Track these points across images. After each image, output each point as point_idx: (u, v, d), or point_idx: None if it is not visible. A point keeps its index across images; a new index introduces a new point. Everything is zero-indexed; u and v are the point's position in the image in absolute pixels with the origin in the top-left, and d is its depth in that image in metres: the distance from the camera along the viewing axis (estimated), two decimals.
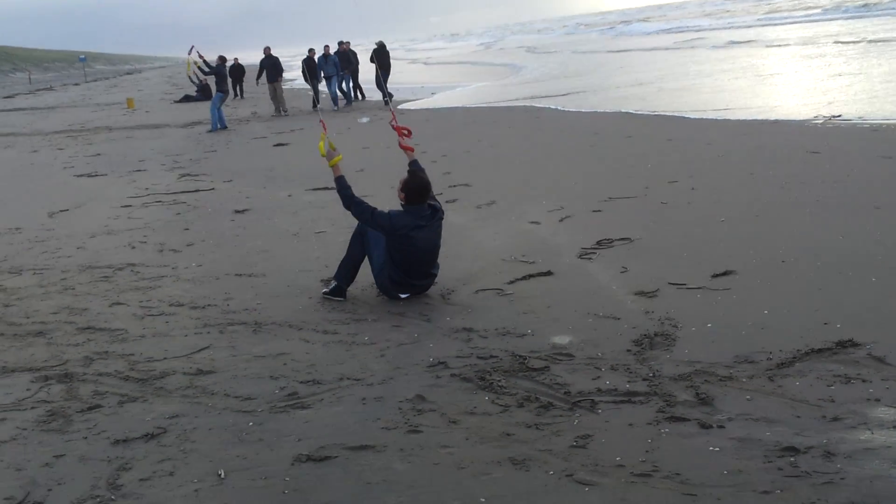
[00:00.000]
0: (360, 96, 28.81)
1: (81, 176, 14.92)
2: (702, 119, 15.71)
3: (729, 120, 15.21)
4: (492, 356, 5.09)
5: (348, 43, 27.88)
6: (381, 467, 3.83)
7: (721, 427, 3.98)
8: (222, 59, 24.82)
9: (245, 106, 30.31)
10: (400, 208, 6.45)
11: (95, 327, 6.13)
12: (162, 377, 5.07)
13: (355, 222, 6.61)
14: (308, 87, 27.25)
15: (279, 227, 9.51)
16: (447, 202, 9.61)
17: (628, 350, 5.04)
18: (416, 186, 6.40)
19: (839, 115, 13.97)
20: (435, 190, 6.97)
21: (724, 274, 6.37)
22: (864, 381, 4.37)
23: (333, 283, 6.64)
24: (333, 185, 6.63)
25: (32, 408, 4.70)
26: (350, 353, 5.35)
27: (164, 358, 5.42)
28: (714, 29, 57.59)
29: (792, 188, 9.10)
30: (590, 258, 7.19)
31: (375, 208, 6.42)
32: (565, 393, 4.49)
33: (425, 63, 60.61)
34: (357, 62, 27.92)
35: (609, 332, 5.38)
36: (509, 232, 8.39)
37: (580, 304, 5.98)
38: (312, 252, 8.03)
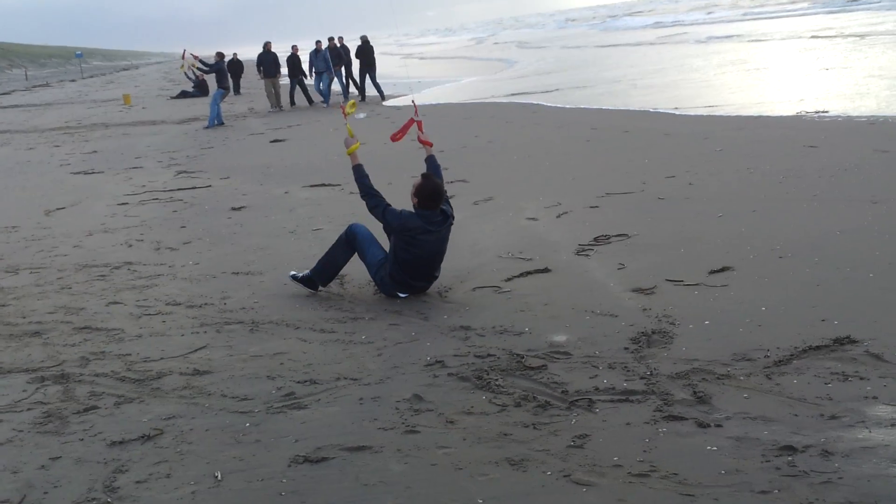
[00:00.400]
0: (356, 91, 28.78)
1: (78, 173, 14.89)
2: (699, 114, 15.70)
3: (728, 116, 15.20)
4: (489, 355, 5.08)
5: (341, 38, 27.83)
6: (378, 468, 3.82)
7: (719, 426, 3.97)
8: (220, 56, 24.78)
9: (242, 102, 30.25)
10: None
11: (92, 327, 6.12)
12: (159, 377, 5.06)
13: (352, 220, 6.60)
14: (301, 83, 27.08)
15: (276, 224, 9.50)
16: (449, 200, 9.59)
17: (626, 348, 5.03)
18: (428, 191, 6.30)
19: (826, 111, 13.97)
20: None
21: (722, 270, 6.36)
22: (861, 378, 4.37)
23: (307, 272, 6.65)
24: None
25: (29, 409, 4.68)
26: (347, 352, 5.34)
27: (161, 358, 5.41)
28: (702, 23, 57.76)
29: (789, 183, 9.09)
30: (587, 255, 7.18)
31: (389, 205, 6.39)
32: (563, 392, 4.48)
33: (420, 58, 60.53)
34: (349, 58, 27.87)
35: (606, 330, 5.37)
36: (507, 228, 8.38)
37: (578, 302, 5.98)
38: (310, 249, 8.01)
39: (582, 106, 19.08)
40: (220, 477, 3.82)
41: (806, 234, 7.08)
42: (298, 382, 4.86)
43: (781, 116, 14.19)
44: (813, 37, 32.43)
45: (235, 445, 4.13)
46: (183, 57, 23.53)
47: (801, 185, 8.93)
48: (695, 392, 4.34)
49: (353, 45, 27.57)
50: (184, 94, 35.28)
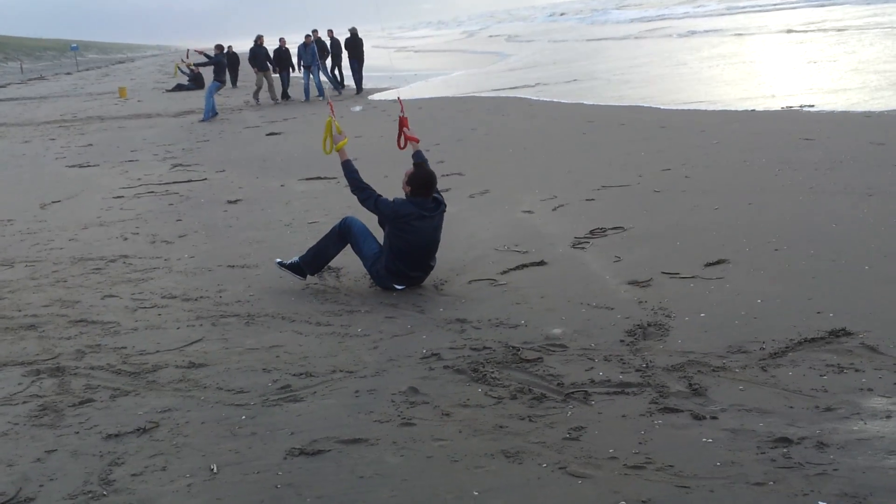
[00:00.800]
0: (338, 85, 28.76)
1: (73, 166, 14.86)
2: (695, 107, 15.70)
3: (724, 109, 15.20)
4: (485, 347, 5.08)
5: (331, 31, 27.73)
6: (373, 461, 3.82)
7: (714, 418, 3.98)
8: (220, 48, 24.74)
9: (238, 95, 30.17)
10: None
11: (88, 320, 6.11)
12: (154, 370, 5.05)
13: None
14: (289, 77, 27.08)
15: (272, 217, 9.48)
16: (441, 191, 9.55)
17: (621, 340, 5.04)
18: (422, 179, 6.39)
19: (812, 106, 13.98)
20: None
21: (718, 263, 6.36)
22: (856, 370, 4.37)
23: (295, 259, 6.66)
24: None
25: (24, 402, 4.67)
26: (343, 345, 5.34)
27: (157, 351, 5.40)
28: (688, 17, 57.66)
29: (785, 175, 9.10)
30: (583, 248, 7.18)
31: (380, 196, 6.41)
32: (558, 384, 4.48)
33: (415, 51, 60.49)
34: (339, 50, 27.81)
35: (602, 323, 5.37)
36: (502, 221, 8.38)
37: (573, 295, 5.98)
38: (306, 242, 7.95)
39: (577, 100, 19.03)
40: (215, 469, 3.82)
41: (802, 227, 7.08)
42: (294, 375, 4.86)
43: (777, 109, 14.20)
44: (805, 30, 32.44)
45: (231, 438, 4.12)
46: (187, 57, 23.52)
47: (797, 177, 8.93)
48: (690, 384, 4.34)
49: (341, 39, 27.55)
50: (179, 88, 35.22)
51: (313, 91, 26.16)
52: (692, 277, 6.12)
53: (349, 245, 6.62)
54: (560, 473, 3.60)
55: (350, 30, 27.08)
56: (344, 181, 6.68)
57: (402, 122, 7.16)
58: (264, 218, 9.46)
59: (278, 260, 6.83)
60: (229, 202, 10.49)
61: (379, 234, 6.58)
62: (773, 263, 6.26)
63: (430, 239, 6.42)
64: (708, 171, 9.74)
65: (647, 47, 35.68)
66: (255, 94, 26.13)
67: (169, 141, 17.79)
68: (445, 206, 6.61)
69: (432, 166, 6.79)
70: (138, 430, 4.26)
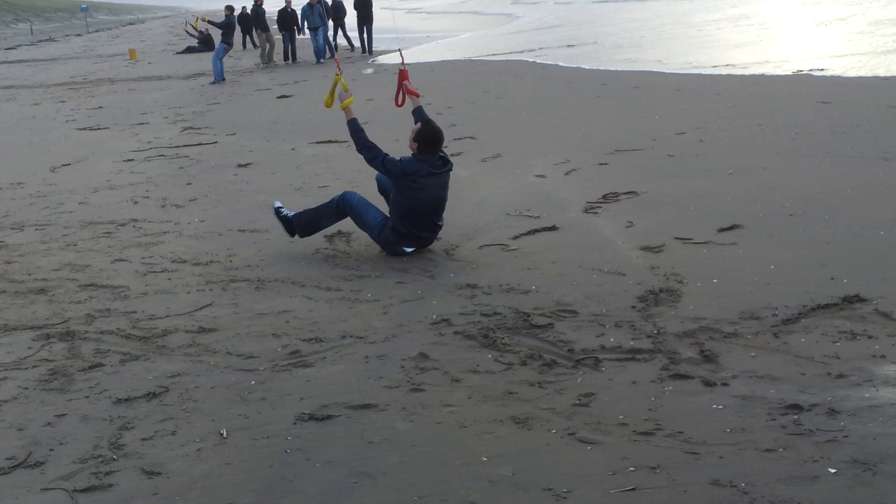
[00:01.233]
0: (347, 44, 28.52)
1: (83, 129, 14.82)
2: (709, 71, 15.52)
3: (740, 73, 15.03)
4: (495, 313, 5.06)
5: None
6: (383, 426, 3.82)
7: (725, 385, 3.96)
8: (230, 10, 24.59)
9: (249, 57, 30.00)
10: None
11: (97, 284, 6.11)
12: (164, 335, 5.05)
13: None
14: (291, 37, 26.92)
15: (282, 181, 9.45)
16: (452, 155, 9.49)
17: (633, 307, 5.01)
18: (429, 135, 6.32)
19: (822, 69, 13.80)
20: None
21: (731, 228, 6.31)
22: (869, 337, 4.34)
23: (291, 214, 6.70)
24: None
25: (34, 366, 4.68)
26: (353, 310, 5.33)
27: (167, 315, 5.40)
28: None
29: (801, 139, 9.00)
30: (595, 213, 7.13)
31: (387, 154, 6.36)
32: (569, 351, 4.46)
33: (427, 13, 59.99)
34: (343, 11, 27.63)
35: (614, 289, 5.34)
36: (514, 186, 8.32)
37: (585, 260, 5.94)
38: None
39: (589, 63, 18.85)
40: (225, 434, 3.82)
41: (816, 192, 7.01)
42: (304, 340, 4.85)
43: (790, 74, 14.01)
44: None
45: (241, 403, 4.13)
46: (196, 22, 23.46)
47: (813, 141, 8.84)
48: (701, 351, 4.32)
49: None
50: (190, 50, 35.01)
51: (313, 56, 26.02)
52: (705, 243, 6.07)
53: (349, 218, 6.58)
54: (569, 439, 3.59)
55: None
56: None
57: (403, 76, 7.01)
58: (275, 182, 9.42)
59: (277, 204, 6.81)
60: (240, 166, 10.45)
61: (379, 204, 6.55)
62: (787, 229, 6.20)
63: (439, 197, 6.38)
64: (723, 136, 9.65)
65: (655, 9, 35.25)
66: (264, 56, 25.98)
67: (179, 103, 17.73)
68: (452, 164, 6.56)
69: (445, 130, 6.72)
70: (148, 394, 4.26)
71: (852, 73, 13.13)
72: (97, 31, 75.14)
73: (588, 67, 17.92)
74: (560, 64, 19.04)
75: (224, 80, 21.95)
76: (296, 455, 3.62)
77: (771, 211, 6.62)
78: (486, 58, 22.66)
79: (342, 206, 6.56)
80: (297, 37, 27.04)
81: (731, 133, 9.73)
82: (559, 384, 4.10)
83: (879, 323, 4.48)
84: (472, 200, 7.76)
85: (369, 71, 21.14)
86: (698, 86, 13.68)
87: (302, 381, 4.33)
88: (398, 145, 7.75)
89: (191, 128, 14.12)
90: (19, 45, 52.56)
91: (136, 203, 8.74)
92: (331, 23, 27.32)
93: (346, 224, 6.79)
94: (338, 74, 6.71)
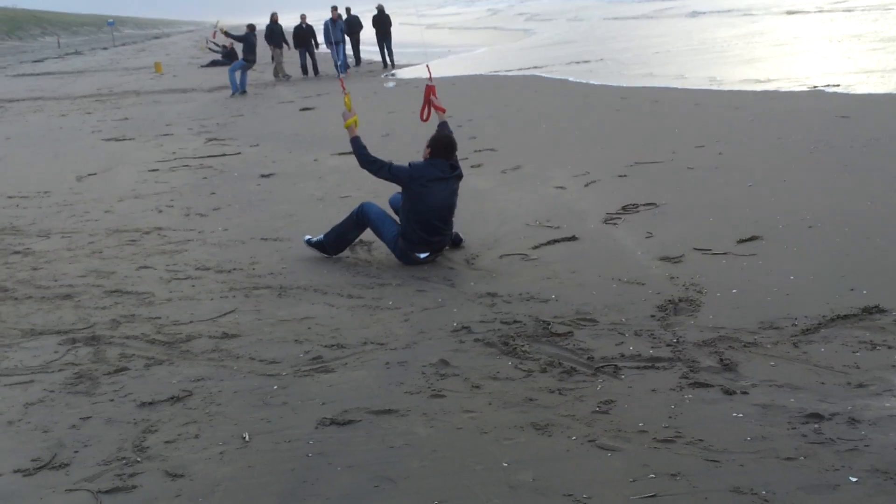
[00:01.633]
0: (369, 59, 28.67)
1: (109, 140, 14.99)
2: (728, 87, 15.48)
3: (761, 88, 14.99)
4: (515, 321, 5.09)
5: (349, 9, 27.65)
6: (403, 431, 3.85)
7: (745, 393, 3.96)
8: (251, 28, 24.82)
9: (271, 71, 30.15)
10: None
11: (122, 290, 6.19)
12: (188, 340, 5.12)
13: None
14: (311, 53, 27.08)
15: (305, 191, 9.53)
16: (472, 167, 9.59)
17: (652, 316, 5.02)
18: (443, 142, 6.52)
19: (837, 85, 13.72)
20: (460, 154, 6.96)
21: (750, 239, 6.31)
22: (889, 347, 4.33)
23: (320, 237, 6.81)
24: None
25: (60, 370, 4.76)
26: (374, 317, 5.37)
27: (191, 321, 5.47)
28: None
29: (820, 153, 8.98)
30: (615, 223, 7.15)
31: (392, 162, 6.50)
32: (588, 358, 4.48)
33: (449, 28, 60.17)
34: (360, 27, 27.79)
35: (633, 298, 5.35)
36: (534, 197, 8.35)
37: (605, 270, 5.96)
38: (337, 216, 7.96)
39: (607, 78, 18.85)
40: (247, 438, 3.87)
41: (836, 204, 6.99)
42: (326, 346, 4.90)
43: (812, 88, 13.96)
44: (846, 10, 31.87)
45: (263, 407, 4.18)
46: (213, 36, 23.69)
47: (832, 155, 8.81)
48: (721, 359, 4.32)
49: (367, 15, 27.45)
50: (214, 63, 35.30)
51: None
52: (724, 254, 6.07)
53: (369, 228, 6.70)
54: (589, 446, 3.61)
55: (377, 6, 26.92)
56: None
57: (430, 91, 7.11)
58: (297, 192, 9.50)
59: (307, 237, 6.91)
60: (262, 176, 10.55)
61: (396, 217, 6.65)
62: (806, 241, 6.19)
63: (447, 203, 6.47)
64: (742, 149, 9.63)
65: (670, 25, 35.20)
66: (276, 72, 26.24)
67: (203, 115, 17.89)
68: (461, 172, 6.65)
69: (464, 141, 6.84)
70: (172, 398, 4.32)
71: (869, 90, 13.05)
72: (123, 44, 75.93)
73: (607, 83, 17.91)
74: (580, 80, 19.03)
75: (245, 91, 22.12)
76: (317, 459, 3.65)
77: (790, 223, 6.62)
78: (505, 72, 22.70)
79: (361, 218, 6.66)
80: (315, 51, 27.16)
81: (751, 146, 9.71)
82: (579, 391, 4.12)
83: None
84: (492, 211, 7.80)
85: (391, 84, 21.24)
86: (717, 100, 13.64)
87: (324, 387, 4.37)
88: (418, 157, 7.79)
89: (215, 139, 14.25)
90: (46, 58, 53.22)
91: (160, 212, 8.84)
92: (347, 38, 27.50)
93: (368, 233, 6.86)
94: (346, 94, 6.80)
